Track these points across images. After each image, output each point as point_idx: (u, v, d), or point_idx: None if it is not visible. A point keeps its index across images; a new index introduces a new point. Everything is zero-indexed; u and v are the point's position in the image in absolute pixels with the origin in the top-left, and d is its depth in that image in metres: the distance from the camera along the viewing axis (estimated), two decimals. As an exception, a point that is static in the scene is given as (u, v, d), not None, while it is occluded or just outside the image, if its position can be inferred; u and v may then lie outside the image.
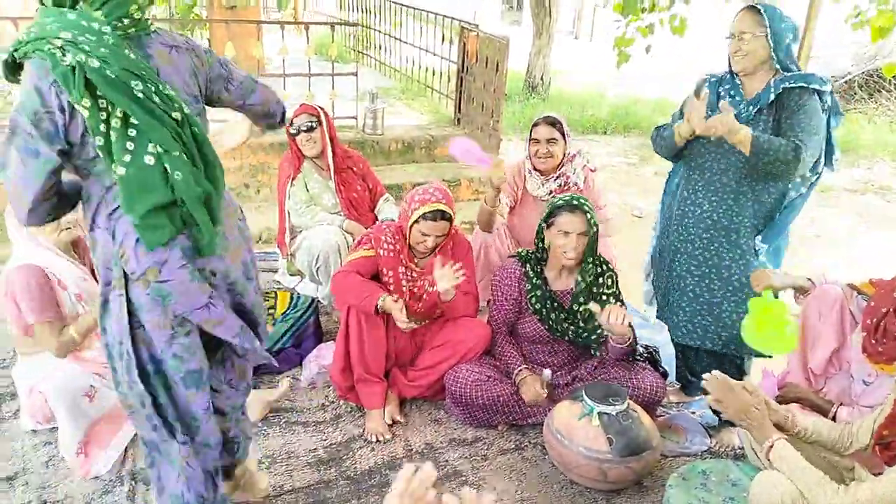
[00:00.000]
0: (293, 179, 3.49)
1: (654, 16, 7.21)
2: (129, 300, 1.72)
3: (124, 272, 1.70)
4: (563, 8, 11.82)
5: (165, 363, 1.77)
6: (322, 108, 3.50)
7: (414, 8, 7.14)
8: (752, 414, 1.96)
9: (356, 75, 5.27)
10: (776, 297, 2.45)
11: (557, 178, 3.30)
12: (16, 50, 1.53)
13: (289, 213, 3.48)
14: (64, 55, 1.49)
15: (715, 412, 2.78)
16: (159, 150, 1.59)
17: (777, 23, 2.39)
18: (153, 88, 1.58)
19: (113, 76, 1.52)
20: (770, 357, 2.54)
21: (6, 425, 2.61)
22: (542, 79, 9.64)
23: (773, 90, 2.43)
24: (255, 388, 2.77)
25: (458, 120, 6.03)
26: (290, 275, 3.72)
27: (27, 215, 1.64)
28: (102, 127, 1.54)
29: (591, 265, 2.68)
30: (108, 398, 2.43)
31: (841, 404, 2.28)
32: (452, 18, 5.93)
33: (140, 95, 1.55)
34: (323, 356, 3.02)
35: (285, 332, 3.11)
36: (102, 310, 1.77)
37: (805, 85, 2.38)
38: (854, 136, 8.36)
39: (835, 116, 2.48)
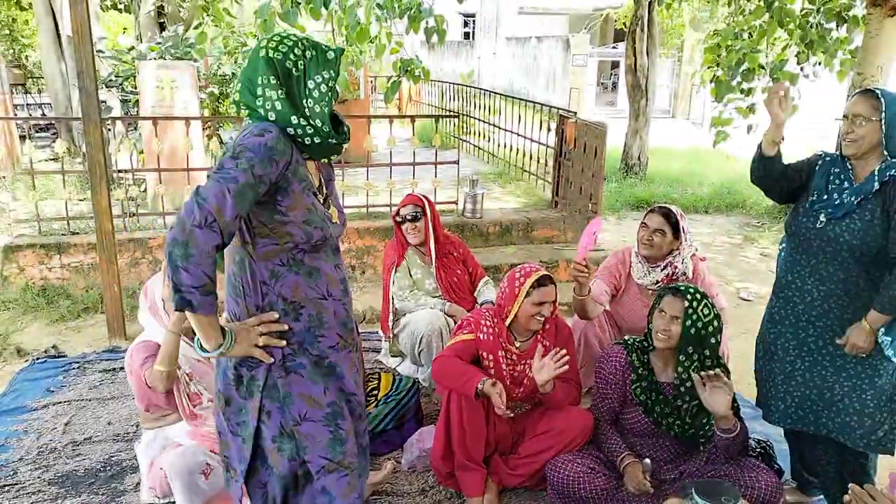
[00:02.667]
0: (397, 266, 3.64)
1: (756, 97, 7.14)
2: None
3: None
4: (659, 88, 11.91)
5: None
6: (426, 198, 3.66)
7: (512, 97, 7.41)
8: None
9: (458, 163, 5.50)
10: None
11: (664, 267, 3.24)
12: None
13: (393, 297, 3.61)
14: None
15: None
16: None
17: (892, 107, 2.28)
18: None
19: None
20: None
21: (128, 497, 2.76)
22: (639, 158, 9.67)
23: (876, 179, 2.31)
24: (357, 469, 2.83)
25: (556, 203, 6.11)
26: (392, 356, 3.82)
27: None
28: None
29: (687, 359, 2.54)
30: (221, 476, 2.54)
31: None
32: (550, 107, 6.11)
33: None
34: (424, 440, 3.05)
35: (387, 413, 3.17)
36: None
37: None
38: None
39: None
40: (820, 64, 7.08)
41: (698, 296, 2.53)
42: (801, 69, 7.23)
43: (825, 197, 2.43)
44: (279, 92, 1.79)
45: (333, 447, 1.92)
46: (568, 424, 2.73)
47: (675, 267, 3.23)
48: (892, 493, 1.98)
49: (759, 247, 6.94)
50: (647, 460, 2.63)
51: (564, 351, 2.61)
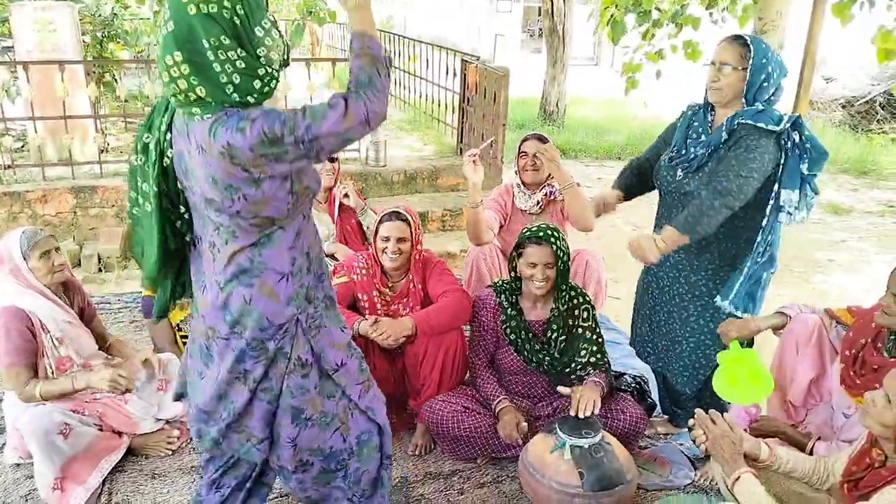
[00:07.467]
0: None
1: (664, 42, 7.19)
2: None
3: None
4: (585, 35, 11.82)
5: None
6: None
7: (416, 41, 7.24)
8: (725, 445, 1.92)
9: (358, 108, 5.34)
10: (749, 344, 2.40)
11: (542, 188, 3.38)
12: None
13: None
14: None
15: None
16: None
17: (759, 57, 2.25)
18: None
19: None
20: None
21: (-7, 458, 2.65)
22: (557, 105, 9.68)
23: (724, 128, 2.30)
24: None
25: (461, 150, 6.06)
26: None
27: None
28: None
29: (564, 293, 2.66)
30: (83, 435, 2.45)
31: (819, 438, 2.20)
32: (455, 51, 5.99)
33: None
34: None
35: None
36: None
37: (753, 123, 2.24)
38: (874, 157, 8.17)
39: (809, 160, 2.26)
40: (726, 10, 7.16)
41: (556, 233, 2.60)
42: (711, 14, 7.29)
43: (683, 152, 2.45)
44: (237, 52, 1.48)
45: (361, 369, 1.91)
46: (439, 339, 2.70)
47: (552, 187, 3.36)
48: (732, 418, 2.07)
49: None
50: (525, 424, 2.60)
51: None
